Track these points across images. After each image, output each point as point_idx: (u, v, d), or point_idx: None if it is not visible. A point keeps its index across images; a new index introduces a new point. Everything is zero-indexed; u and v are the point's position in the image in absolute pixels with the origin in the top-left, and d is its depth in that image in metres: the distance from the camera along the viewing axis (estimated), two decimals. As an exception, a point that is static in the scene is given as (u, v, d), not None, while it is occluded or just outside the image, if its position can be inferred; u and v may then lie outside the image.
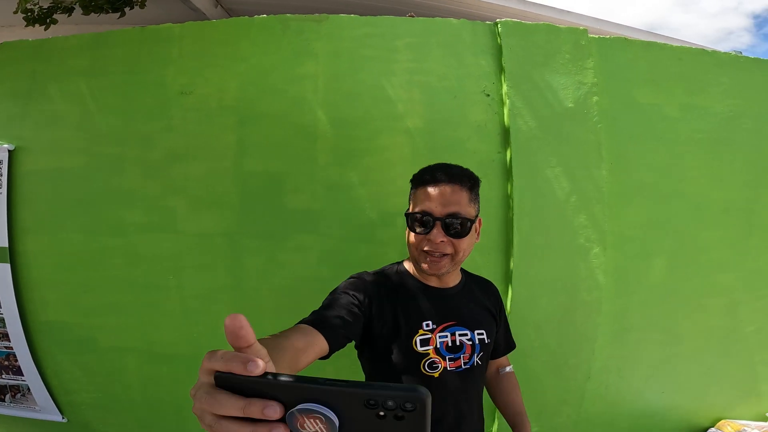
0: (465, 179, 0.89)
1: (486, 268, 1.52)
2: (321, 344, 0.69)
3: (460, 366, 0.90)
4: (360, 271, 0.96)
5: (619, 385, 1.69)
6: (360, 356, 0.94)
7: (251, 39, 1.57)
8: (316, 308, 0.82)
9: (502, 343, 1.09)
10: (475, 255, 1.51)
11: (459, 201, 0.86)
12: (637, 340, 1.66)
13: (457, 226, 0.86)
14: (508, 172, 1.54)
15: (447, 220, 0.85)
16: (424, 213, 0.87)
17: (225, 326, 0.33)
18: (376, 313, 0.86)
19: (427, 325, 0.88)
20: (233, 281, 1.53)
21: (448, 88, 1.55)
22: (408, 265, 0.97)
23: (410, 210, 0.91)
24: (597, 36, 1.59)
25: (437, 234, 0.85)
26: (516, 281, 1.50)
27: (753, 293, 1.77)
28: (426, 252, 0.88)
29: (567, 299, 1.54)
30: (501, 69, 1.56)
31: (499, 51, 1.56)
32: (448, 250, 0.87)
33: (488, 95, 1.57)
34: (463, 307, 0.95)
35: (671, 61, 1.64)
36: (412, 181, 0.93)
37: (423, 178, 0.89)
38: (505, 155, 1.55)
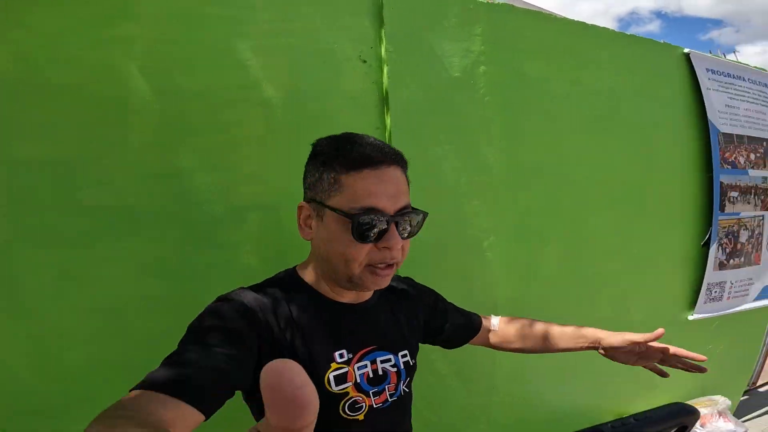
0: (400, 157, 0.69)
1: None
2: (193, 416, 0.47)
3: (387, 400, 0.72)
4: (227, 291, 0.69)
5: (524, 393, 1.55)
6: (248, 400, 0.69)
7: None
8: (161, 347, 0.57)
9: (460, 322, 0.97)
10: None
11: (405, 189, 0.68)
12: None
13: (415, 223, 0.68)
14: None
15: (403, 218, 0.65)
16: (372, 211, 0.63)
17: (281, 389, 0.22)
18: (269, 350, 0.62)
19: (341, 356, 0.68)
20: (8, 305, 1.06)
21: (318, 52, 1.25)
22: (307, 275, 0.73)
23: (340, 206, 0.64)
24: (485, 0, 1.40)
25: (395, 239, 0.64)
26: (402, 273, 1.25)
27: (639, 281, 1.75)
28: (371, 266, 0.66)
29: (461, 300, 1.32)
30: (381, 32, 1.31)
31: (380, 11, 1.31)
32: (400, 256, 0.68)
33: (365, 61, 1.31)
34: (383, 323, 0.77)
35: (557, 33, 1.53)
36: (325, 163, 0.66)
37: (352, 157, 0.64)
38: (384, 130, 1.29)
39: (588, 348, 0.96)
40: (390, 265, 0.67)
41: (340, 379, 0.67)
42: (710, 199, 1.87)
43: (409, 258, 1.14)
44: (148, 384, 0.47)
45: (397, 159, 0.67)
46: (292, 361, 0.24)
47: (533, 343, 0.98)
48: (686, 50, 1.88)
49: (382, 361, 0.72)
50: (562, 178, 1.54)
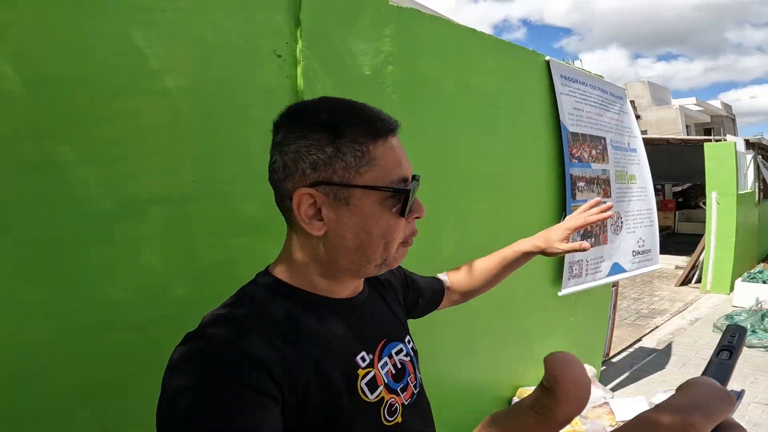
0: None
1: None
2: None
3: (413, 393, 0.64)
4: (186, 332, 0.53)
5: (430, 372, 1.72)
6: None
7: None
8: None
9: (428, 289, 0.91)
10: (262, 248, 1.23)
11: None
12: (443, 325, 1.68)
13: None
14: None
15: (418, 183, 0.59)
16: (412, 180, 0.58)
17: None
18: (295, 392, 0.49)
19: (363, 359, 0.58)
20: None
21: (230, 44, 1.20)
22: (294, 277, 0.59)
23: (379, 182, 0.54)
24: (396, 5, 1.47)
25: (423, 207, 0.59)
26: None
27: (527, 276, 2.04)
28: (405, 240, 0.59)
29: None
30: (298, 28, 1.30)
31: (297, 8, 1.30)
32: None
33: (280, 56, 1.29)
34: (381, 312, 0.68)
35: (452, 37, 1.69)
36: (341, 134, 0.53)
37: (376, 124, 0.55)
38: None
39: (531, 257, 0.97)
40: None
41: (372, 385, 0.58)
42: (564, 189, 2.26)
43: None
44: None
45: (398, 124, 0.61)
46: (568, 353, 0.24)
47: (483, 280, 0.97)
48: (547, 58, 2.21)
49: (396, 353, 0.65)
50: (453, 171, 1.73)
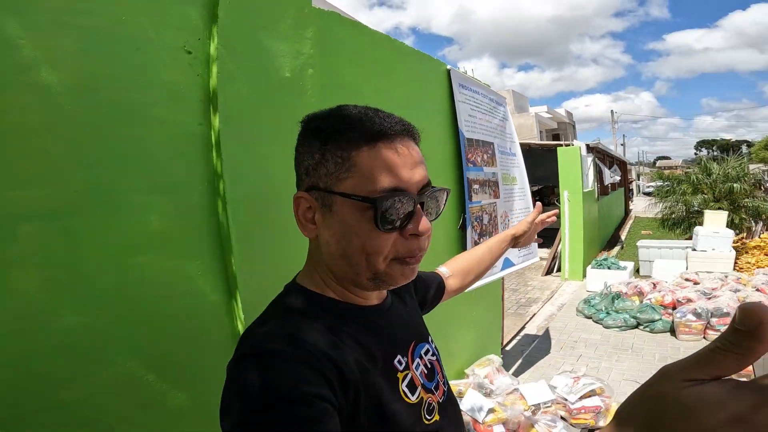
0: (412, 128, 0.60)
1: (195, 280, 1.14)
2: None
3: (444, 391, 0.67)
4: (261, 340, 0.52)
5: None
6: None
7: None
8: None
9: (432, 283, 0.94)
10: (171, 265, 1.11)
11: (424, 163, 0.58)
12: None
13: (442, 202, 0.60)
14: (213, 150, 1.18)
15: (429, 197, 0.56)
16: (397, 192, 0.52)
17: None
18: (347, 397, 0.50)
19: (400, 363, 0.60)
20: None
21: (128, 36, 1.02)
22: (317, 287, 0.59)
23: (355, 191, 0.52)
24: (317, 7, 1.42)
25: (424, 222, 0.54)
26: (243, 290, 1.20)
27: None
28: (398, 258, 0.55)
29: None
30: (214, 24, 1.17)
31: (214, 2, 1.16)
32: (428, 244, 0.58)
33: (190, 53, 1.14)
34: (406, 314, 0.69)
35: (370, 44, 1.70)
36: (328, 140, 0.54)
37: (364, 130, 0.53)
38: (210, 128, 1.18)
39: (510, 244, 1.10)
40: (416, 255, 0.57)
41: (412, 387, 0.59)
42: (462, 191, 2.46)
43: (243, 257, 1.08)
44: None
45: (410, 130, 0.58)
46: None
47: (477, 270, 1.07)
48: (448, 67, 2.37)
49: (425, 354, 0.66)
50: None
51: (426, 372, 0.64)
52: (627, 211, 15.33)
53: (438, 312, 2.29)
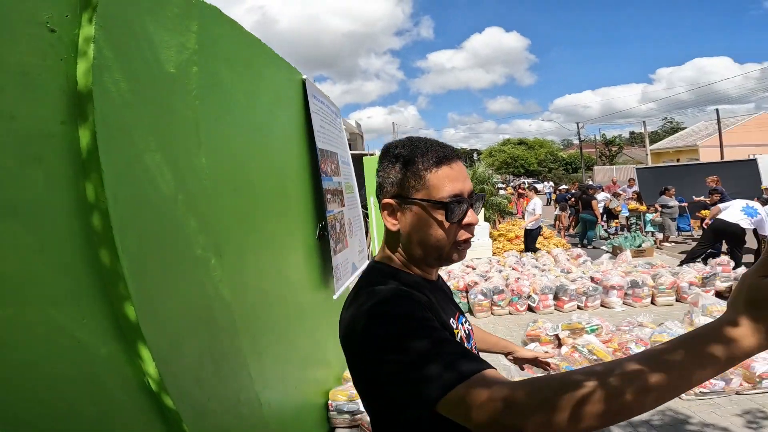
0: (460, 153, 0.83)
1: (73, 332, 0.83)
2: None
3: (476, 353, 0.90)
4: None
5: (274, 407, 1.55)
6: None
7: None
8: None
9: None
10: (43, 314, 0.80)
11: (469, 177, 0.81)
12: (271, 354, 1.55)
13: (480, 203, 0.84)
14: (81, 156, 0.91)
15: (475, 199, 0.80)
16: (458, 197, 0.75)
17: None
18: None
19: (453, 323, 0.81)
20: None
21: None
22: (398, 264, 0.81)
23: (430, 197, 0.75)
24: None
25: (475, 216, 0.79)
26: (142, 318, 0.94)
27: (298, 272, 2.11)
28: (456, 243, 0.78)
29: (206, 330, 1.17)
30: (88, 2, 0.89)
31: None
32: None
33: (54, 31, 0.84)
34: (450, 294, 0.94)
35: (245, 46, 1.56)
36: (407, 164, 0.77)
37: (434, 158, 0.76)
38: (77, 128, 0.89)
39: (499, 353, 1.23)
40: (468, 240, 0.79)
41: (462, 341, 0.82)
42: (320, 201, 2.50)
43: (136, 281, 0.90)
44: (477, 368, 0.57)
45: (459, 154, 0.80)
46: None
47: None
48: (303, 76, 2.37)
49: (462, 323, 0.86)
50: (246, 186, 1.60)
51: (465, 336, 0.86)
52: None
53: (311, 322, 2.28)
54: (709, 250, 6.14)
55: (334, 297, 2.44)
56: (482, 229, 7.44)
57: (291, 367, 1.91)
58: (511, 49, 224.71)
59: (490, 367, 0.58)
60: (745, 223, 5.90)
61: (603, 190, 11.72)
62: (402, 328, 0.63)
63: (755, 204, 6.11)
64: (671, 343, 0.50)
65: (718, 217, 6.10)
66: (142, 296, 0.94)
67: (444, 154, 0.76)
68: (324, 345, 2.38)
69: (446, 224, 0.75)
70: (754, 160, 10.01)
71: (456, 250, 0.79)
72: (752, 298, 0.48)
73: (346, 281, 2.70)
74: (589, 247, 8.81)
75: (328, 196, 2.65)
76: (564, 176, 33.81)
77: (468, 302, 5.00)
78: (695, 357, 0.47)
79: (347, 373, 2.75)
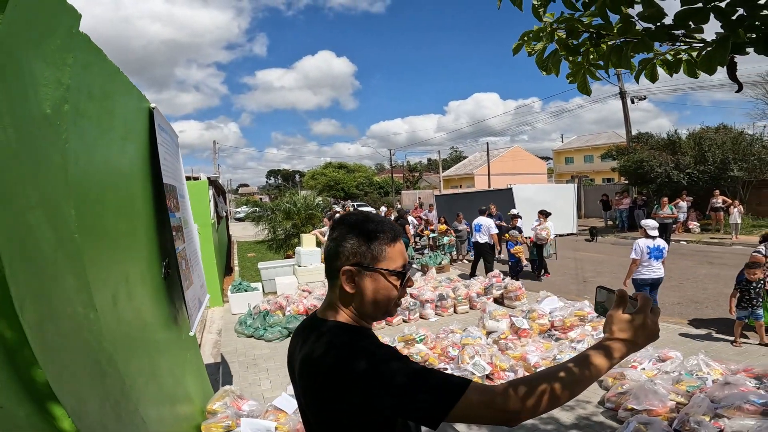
0: None
1: None
2: None
3: None
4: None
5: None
6: None
7: None
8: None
9: None
10: None
11: None
12: (148, 395, 1.35)
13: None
14: None
15: (409, 266, 0.95)
16: (405, 266, 0.94)
17: None
18: None
19: None
20: None
21: None
22: (352, 321, 0.94)
23: (391, 267, 0.92)
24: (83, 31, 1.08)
25: (410, 280, 0.97)
26: (51, 379, 0.81)
27: (162, 324, 1.91)
28: (399, 300, 0.95)
29: (100, 382, 1.02)
30: None
31: None
32: None
33: None
34: None
35: (104, 74, 1.41)
36: (376, 239, 0.92)
37: (393, 234, 0.94)
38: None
39: None
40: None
41: None
42: (167, 239, 2.29)
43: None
44: (466, 383, 0.78)
45: (400, 232, 0.97)
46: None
47: None
48: (152, 105, 2.17)
49: None
50: (104, 233, 1.42)
51: None
52: (229, 237, 16.96)
53: (171, 361, 2.05)
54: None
55: (191, 333, 2.29)
56: (315, 254, 7.71)
57: (164, 407, 1.77)
58: (340, 73, 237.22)
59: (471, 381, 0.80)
60: (481, 238, 7.90)
61: (409, 214, 13.63)
62: (396, 362, 0.80)
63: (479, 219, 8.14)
64: (576, 360, 0.82)
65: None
66: (47, 358, 0.82)
67: (396, 232, 0.95)
68: (184, 381, 2.20)
69: (397, 288, 0.93)
70: (510, 189, 13.27)
71: (396, 306, 0.97)
72: (611, 325, 0.85)
73: (196, 317, 2.56)
74: (404, 265, 10.05)
75: (174, 233, 2.45)
76: (378, 199, 37.49)
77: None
78: (592, 366, 0.80)
79: (211, 406, 2.64)
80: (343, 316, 0.93)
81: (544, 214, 8.15)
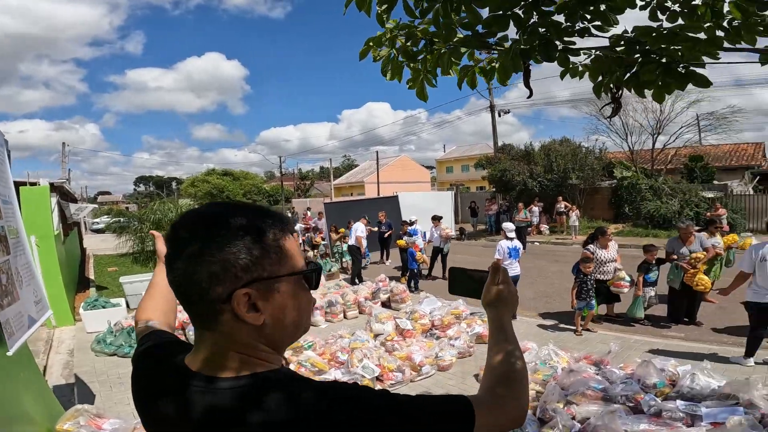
0: None
1: None
2: None
3: None
4: None
5: None
6: None
7: None
8: None
9: None
10: None
11: None
12: None
13: None
14: None
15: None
16: (310, 263, 0.68)
17: None
18: None
19: None
20: None
21: None
22: (261, 367, 0.63)
23: (295, 269, 0.64)
24: None
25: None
26: None
27: None
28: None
29: None
30: None
31: None
32: None
33: None
34: None
35: None
36: (262, 235, 0.61)
37: (282, 222, 0.64)
38: None
39: None
40: None
41: None
42: None
43: None
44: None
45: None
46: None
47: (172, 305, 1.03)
48: None
49: None
50: None
51: None
52: (83, 250, 14.53)
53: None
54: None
55: (9, 353, 2.05)
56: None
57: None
58: (229, 76, 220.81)
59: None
60: (350, 240, 8.63)
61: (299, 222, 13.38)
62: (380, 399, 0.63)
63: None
64: (497, 339, 0.79)
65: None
66: None
67: (283, 219, 0.66)
68: (19, 402, 1.87)
69: (309, 294, 0.67)
70: (397, 197, 13.90)
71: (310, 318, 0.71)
72: (489, 297, 0.83)
73: (22, 335, 2.24)
74: (293, 275, 9.79)
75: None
76: (268, 208, 35.85)
77: (186, 338, 4.68)
78: (510, 342, 0.77)
79: (61, 426, 2.49)
80: (254, 362, 0.63)
81: (437, 219, 8.81)
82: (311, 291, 0.68)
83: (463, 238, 14.66)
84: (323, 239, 12.14)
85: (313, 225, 12.94)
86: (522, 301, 6.17)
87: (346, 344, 4.27)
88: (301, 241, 11.09)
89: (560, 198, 14.68)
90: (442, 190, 26.42)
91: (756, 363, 3.95)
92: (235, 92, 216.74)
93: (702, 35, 1.30)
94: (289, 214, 18.84)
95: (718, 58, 1.38)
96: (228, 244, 0.59)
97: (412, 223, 8.95)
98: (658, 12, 1.32)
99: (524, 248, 10.93)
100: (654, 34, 1.31)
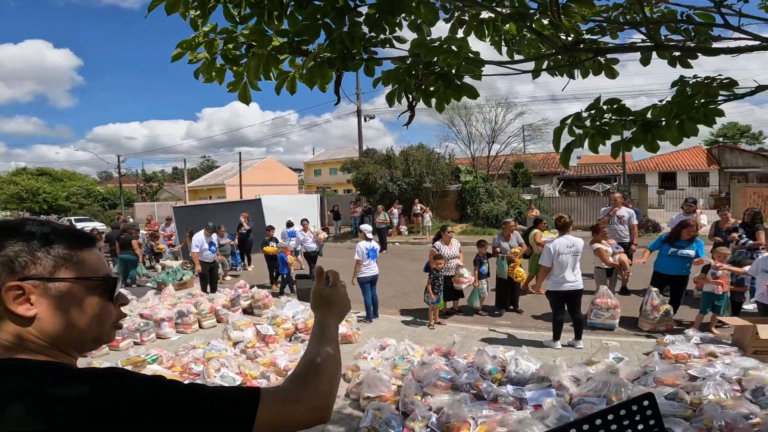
0: None
1: None
2: None
3: None
4: None
5: None
6: None
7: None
8: None
9: None
10: None
11: None
12: None
13: None
14: None
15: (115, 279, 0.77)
16: (110, 277, 0.74)
17: None
18: None
19: None
20: None
21: None
22: (44, 354, 0.67)
23: (85, 275, 0.70)
24: None
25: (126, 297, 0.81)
26: None
27: None
28: (118, 322, 0.77)
29: None
30: None
31: None
32: None
33: None
34: None
35: None
36: (50, 242, 0.69)
37: (83, 237, 0.74)
38: None
39: None
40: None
41: None
42: None
43: None
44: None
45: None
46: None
47: None
48: None
49: None
50: None
51: None
52: None
53: None
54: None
55: None
56: None
57: None
58: (54, 66, 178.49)
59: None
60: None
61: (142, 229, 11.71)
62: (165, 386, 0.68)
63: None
64: (315, 338, 0.88)
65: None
66: None
67: (84, 235, 0.75)
68: None
69: (107, 303, 0.73)
70: (260, 199, 13.33)
71: (114, 330, 0.76)
72: (316, 301, 0.92)
73: None
74: (133, 286, 8.53)
75: None
76: (100, 213, 30.60)
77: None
78: (326, 342, 0.86)
79: None
80: (12, 349, 0.66)
81: (307, 221, 8.64)
82: (121, 303, 0.77)
83: (327, 239, 14.78)
84: (173, 245, 10.91)
85: (162, 233, 11.44)
86: (383, 299, 6.49)
87: (200, 354, 3.94)
88: (142, 250, 9.62)
89: (416, 200, 15.99)
90: (310, 193, 26.28)
91: (562, 345, 4.58)
92: (61, 83, 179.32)
93: (454, 47, 1.52)
94: (131, 220, 16.38)
95: (481, 71, 1.68)
96: (14, 245, 0.67)
97: (290, 225, 8.66)
98: (458, 26, 1.57)
99: (384, 249, 11.61)
100: (425, 47, 1.50)
